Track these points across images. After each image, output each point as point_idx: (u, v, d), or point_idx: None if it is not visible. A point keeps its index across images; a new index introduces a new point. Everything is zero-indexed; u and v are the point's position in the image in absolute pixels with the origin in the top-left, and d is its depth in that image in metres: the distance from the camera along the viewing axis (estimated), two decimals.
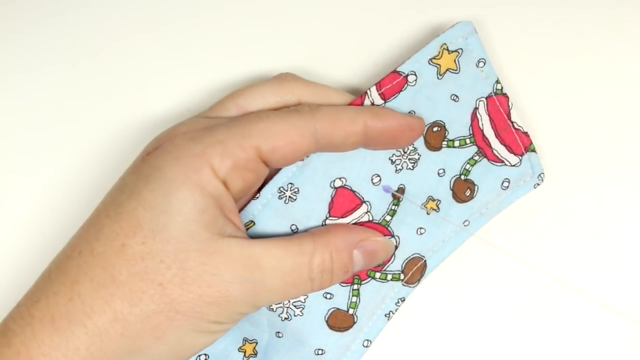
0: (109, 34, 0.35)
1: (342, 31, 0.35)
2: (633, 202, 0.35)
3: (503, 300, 0.35)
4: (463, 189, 0.33)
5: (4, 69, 0.35)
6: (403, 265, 0.33)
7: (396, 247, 0.32)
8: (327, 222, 0.31)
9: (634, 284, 0.35)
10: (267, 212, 0.31)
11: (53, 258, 0.28)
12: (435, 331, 0.35)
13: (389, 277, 0.33)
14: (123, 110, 0.35)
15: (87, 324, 0.26)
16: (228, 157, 0.27)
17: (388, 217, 0.32)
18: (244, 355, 0.33)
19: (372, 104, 0.31)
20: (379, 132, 0.29)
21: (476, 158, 0.33)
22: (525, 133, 0.33)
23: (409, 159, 0.32)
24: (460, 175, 0.33)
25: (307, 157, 0.31)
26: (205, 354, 0.32)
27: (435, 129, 0.32)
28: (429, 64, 0.31)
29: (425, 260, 0.33)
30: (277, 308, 0.31)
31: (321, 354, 0.32)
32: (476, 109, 0.32)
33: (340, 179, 0.31)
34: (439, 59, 0.31)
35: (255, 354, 0.33)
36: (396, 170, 0.32)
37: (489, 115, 0.32)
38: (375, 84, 0.31)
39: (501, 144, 0.33)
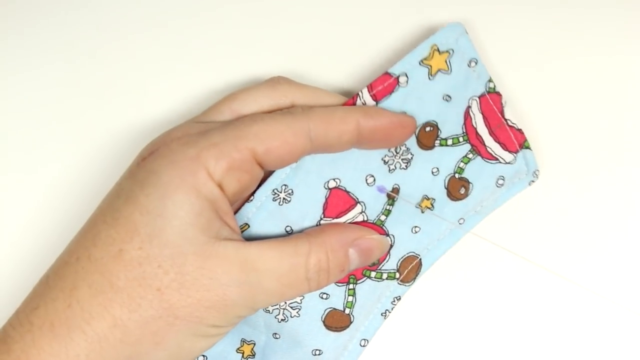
0: (108, 33, 0.35)
1: (335, 33, 0.35)
2: (629, 199, 0.35)
3: (499, 296, 0.35)
4: (457, 187, 0.33)
5: (3, 68, 0.35)
6: (398, 264, 0.33)
7: (391, 246, 0.32)
8: (322, 222, 0.31)
9: (631, 277, 0.35)
10: (262, 215, 0.31)
11: (51, 263, 0.28)
12: (431, 329, 0.35)
13: (385, 276, 0.33)
14: (123, 109, 0.35)
15: (86, 330, 0.26)
16: (223, 159, 0.27)
17: (383, 217, 0.32)
18: (242, 356, 0.33)
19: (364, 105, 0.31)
20: (372, 130, 0.30)
21: (470, 156, 0.33)
22: (520, 130, 0.33)
23: (402, 159, 0.32)
24: (455, 173, 0.33)
25: (301, 159, 0.31)
26: (203, 356, 0.32)
27: (427, 128, 0.32)
28: (420, 65, 0.31)
29: (420, 259, 0.33)
30: (273, 310, 0.32)
31: (319, 355, 0.32)
32: (469, 107, 0.32)
33: (334, 180, 0.31)
34: (430, 59, 0.31)
35: (254, 355, 0.33)
36: (389, 170, 0.32)
37: (482, 114, 0.32)
38: (367, 86, 0.31)
39: (495, 141, 0.33)
